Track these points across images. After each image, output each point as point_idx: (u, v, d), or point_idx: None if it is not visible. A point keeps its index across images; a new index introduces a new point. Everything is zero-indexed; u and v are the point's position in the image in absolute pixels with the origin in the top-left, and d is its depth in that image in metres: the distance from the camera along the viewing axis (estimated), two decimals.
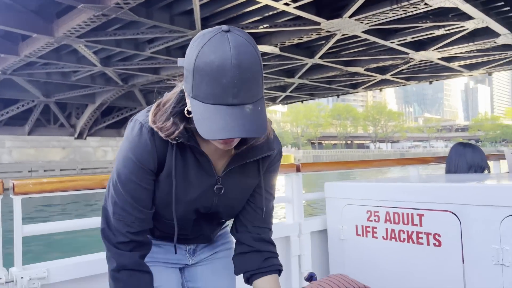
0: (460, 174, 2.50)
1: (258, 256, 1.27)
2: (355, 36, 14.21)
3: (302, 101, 27.32)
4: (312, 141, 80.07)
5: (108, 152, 26.80)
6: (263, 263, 1.26)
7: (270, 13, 12.59)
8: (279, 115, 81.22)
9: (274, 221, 1.39)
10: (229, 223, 1.42)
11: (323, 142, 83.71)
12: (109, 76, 19.22)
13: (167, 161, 1.10)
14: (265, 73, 20.33)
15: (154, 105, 1.10)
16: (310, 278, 0.84)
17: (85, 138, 25.86)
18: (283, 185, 2.39)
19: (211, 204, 1.21)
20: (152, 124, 1.06)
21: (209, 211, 1.23)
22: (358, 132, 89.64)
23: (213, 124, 0.88)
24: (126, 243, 1.11)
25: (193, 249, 1.40)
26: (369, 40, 14.64)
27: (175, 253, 1.31)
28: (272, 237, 1.33)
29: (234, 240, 1.35)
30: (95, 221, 1.66)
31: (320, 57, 16.69)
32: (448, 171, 2.64)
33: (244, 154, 1.16)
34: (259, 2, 11.23)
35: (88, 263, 1.63)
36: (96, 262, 1.63)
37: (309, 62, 17.19)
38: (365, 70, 18.69)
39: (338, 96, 25.63)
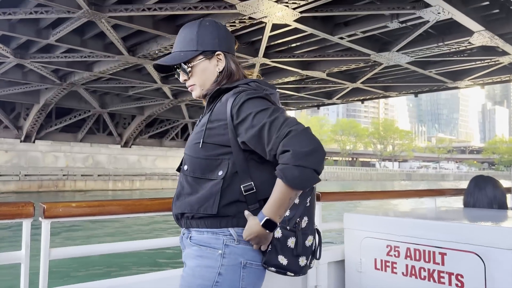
0: (481, 210, 2.44)
1: None
2: (397, 65, 14.74)
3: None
4: None
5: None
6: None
7: (327, 44, 13.02)
8: None
9: None
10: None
11: (326, 158, 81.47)
12: (163, 91, 19.74)
13: None
14: (305, 94, 21.46)
15: None
16: None
17: (130, 146, 26.35)
18: None
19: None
20: None
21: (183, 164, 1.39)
22: (363, 149, 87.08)
23: None
24: None
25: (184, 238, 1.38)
26: (410, 69, 14.98)
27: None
28: None
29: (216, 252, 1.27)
30: (125, 246, 1.75)
31: (365, 83, 17.34)
32: (466, 204, 2.57)
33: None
34: (317, 36, 11.80)
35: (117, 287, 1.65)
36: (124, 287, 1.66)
37: (350, 86, 17.81)
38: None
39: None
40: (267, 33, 10.84)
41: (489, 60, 13.40)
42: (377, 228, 2.08)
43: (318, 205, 2.33)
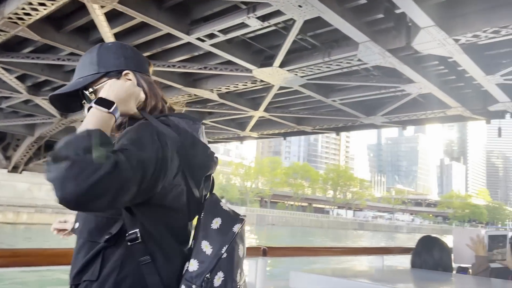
0: (426, 272, 2.48)
1: None
2: (299, 92, 12.49)
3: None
4: (265, 199, 74.77)
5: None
6: None
7: (199, 52, 10.79)
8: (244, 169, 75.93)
9: None
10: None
11: (279, 201, 78.22)
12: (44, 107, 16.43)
13: None
14: (211, 121, 19.15)
15: None
16: None
17: (21, 172, 22.81)
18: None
19: None
20: None
21: None
22: (318, 195, 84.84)
23: None
24: None
25: None
26: (315, 97, 12.82)
27: None
28: None
29: None
30: None
31: (269, 111, 15.01)
32: (413, 264, 2.62)
33: None
34: (180, 39, 9.53)
35: None
36: None
37: (254, 114, 15.50)
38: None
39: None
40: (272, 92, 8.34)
41: (394, 89, 11.40)
42: None
43: (264, 261, 2.33)
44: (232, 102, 14.19)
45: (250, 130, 18.41)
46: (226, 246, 1.07)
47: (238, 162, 77.00)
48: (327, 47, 9.55)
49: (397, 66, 9.39)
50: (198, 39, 8.99)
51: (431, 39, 7.90)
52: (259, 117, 16.11)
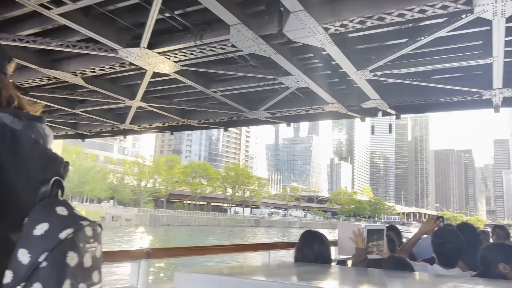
0: (307, 265, 2.60)
1: None
2: (179, 81, 11.39)
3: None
4: (161, 199, 72.61)
5: None
6: None
7: (53, 25, 8.98)
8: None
9: None
10: None
11: (176, 200, 76.67)
12: None
13: None
14: (83, 111, 17.04)
15: None
16: None
17: None
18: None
19: None
20: None
21: None
22: (217, 193, 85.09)
23: None
24: None
25: None
26: (196, 88, 11.87)
27: None
28: None
29: None
30: None
31: (148, 102, 13.57)
32: (296, 259, 2.75)
33: None
34: (23, 6, 7.81)
35: None
36: None
37: (132, 104, 13.94)
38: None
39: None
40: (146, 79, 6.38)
41: (273, 82, 11.10)
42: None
43: (147, 263, 2.29)
44: (103, 88, 12.65)
45: (131, 123, 16.94)
46: (46, 253, 0.90)
47: (132, 161, 73.17)
48: (199, 29, 8.74)
49: (272, 56, 8.96)
50: (42, 5, 7.48)
51: (301, 26, 7.59)
52: (139, 108, 14.83)
